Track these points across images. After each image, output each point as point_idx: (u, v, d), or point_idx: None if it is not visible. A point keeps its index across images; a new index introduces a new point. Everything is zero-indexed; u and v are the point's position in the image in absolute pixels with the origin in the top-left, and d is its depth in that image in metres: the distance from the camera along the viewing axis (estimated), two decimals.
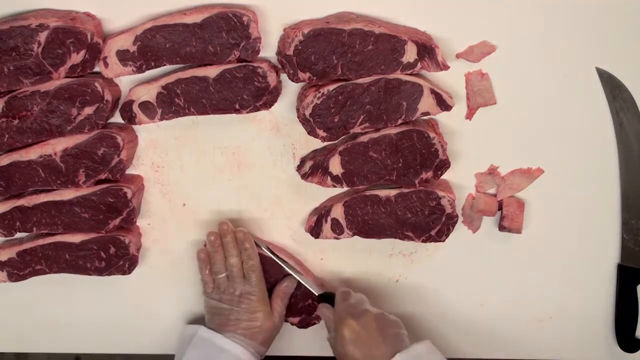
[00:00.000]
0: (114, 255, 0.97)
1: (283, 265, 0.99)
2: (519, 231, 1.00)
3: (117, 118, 0.95)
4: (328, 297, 0.98)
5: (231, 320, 0.96)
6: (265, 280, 0.99)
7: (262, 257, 0.99)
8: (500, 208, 1.00)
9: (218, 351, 0.94)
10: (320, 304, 0.98)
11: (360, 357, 0.89)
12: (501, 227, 1.00)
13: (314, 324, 1.04)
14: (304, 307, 1.02)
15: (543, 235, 1.02)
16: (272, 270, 1.00)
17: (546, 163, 0.99)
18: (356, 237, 0.99)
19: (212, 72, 0.90)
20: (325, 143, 0.95)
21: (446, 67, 0.91)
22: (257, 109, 0.93)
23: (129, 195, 0.95)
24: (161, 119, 0.93)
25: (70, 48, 0.87)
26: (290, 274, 1.00)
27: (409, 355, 0.88)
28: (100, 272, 0.99)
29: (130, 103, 0.92)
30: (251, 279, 0.97)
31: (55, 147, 0.92)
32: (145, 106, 0.92)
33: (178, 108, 0.92)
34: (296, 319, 1.03)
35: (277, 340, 1.06)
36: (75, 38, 0.86)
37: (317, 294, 0.99)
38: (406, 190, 0.97)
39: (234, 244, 0.97)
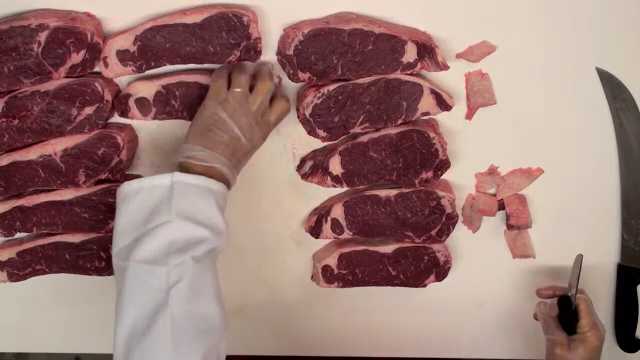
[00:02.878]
0: None
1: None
2: (528, 226, 1.00)
3: (117, 118, 0.95)
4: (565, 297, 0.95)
5: (231, 148, 0.84)
6: None
7: None
8: (501, 208, 1.00)
9: (209, 192, 0.81)
10: (546, 306, 0.97)
11: None
12: (510, 227, 1.00)
13: None
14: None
15: (543, 236, 1.02)
16: None
17: (546, 163, 0.99)
18: (356, 237, 0.99)
19: None
20: (325, 143, 0.96)
21: (446, 67, 0.91)
22: None
23: None
24: (154, 117, 0.93)
25: (70, 48, 0.87)
26: None
27: None
28: (100, 272, 0.99)
29: (127, 96, 0.91)
30: (272, 115, 0.88)
31: (55, 147, 0.92)
32: (140, 102, 0.92)
33: (172, 110, 0.92)
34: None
35: (278, 339, 1.07)
36: (75, 38, 0.86)
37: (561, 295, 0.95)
38: (406, 190, 0.97)
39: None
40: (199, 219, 0.79)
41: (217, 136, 0.84)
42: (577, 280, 0.95)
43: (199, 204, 0.79)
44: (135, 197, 0.81)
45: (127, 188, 0.82)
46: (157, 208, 0.79)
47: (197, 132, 0.84)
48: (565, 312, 0.94)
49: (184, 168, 0.83)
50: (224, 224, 0.81)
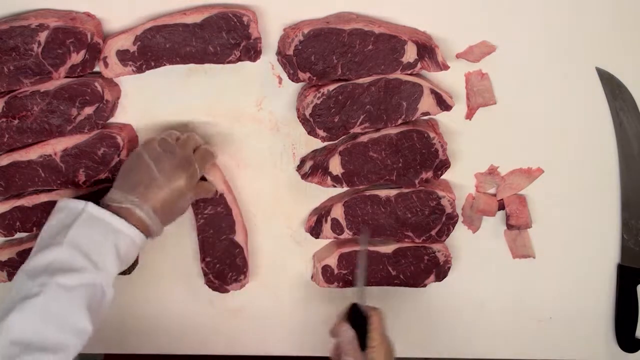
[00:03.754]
0: None
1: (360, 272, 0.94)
2: (528, 226, 1.00)
3: (117, 118, 0.95)
4: (356, 310, 0.91)
5: (153, 189, 0.85)
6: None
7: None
8: (501, 208, 1.00)
9: (109, 231, 0.82)
10: (342, 323, 0.90)
11: None
12: (510, 227, 1.00)
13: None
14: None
15: (543, 236, 1.02)
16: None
17: (546, 163, 0.99)
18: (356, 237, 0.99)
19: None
20: (325, 143, 0.95)
21: (446, 67, 0.91)
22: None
23: None
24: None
25: (70, 48, 0.87)
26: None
27: None
28: None
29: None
30: (202, 162, 0.89)
31: (55, 147, 0.92)
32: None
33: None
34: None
35: (278, 340, 1.06)
36: (75, 38, 0.86)
37: (351, 303, 0.92)
38: (406, 190, 0.97)
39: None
40: (86, 252, 0.79)
41: (135, 177, 0.85)
42: (363, 277, 0.93)
43: (95, 238, 0.81)
44: (56, 214, 0.84)
45: (60, 203, 0.84)
46: (61, 229, 0.81)
47: (121, 174, 0.87)
48: (357, 321, 0.89)
49: (105, 207, 0.84)
50: (115, 265, 0.81)
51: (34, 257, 0.80)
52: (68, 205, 0.84)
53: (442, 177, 0.97)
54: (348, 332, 0.88)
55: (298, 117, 0.93)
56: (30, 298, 0.76)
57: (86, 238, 0.80)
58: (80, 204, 0.83)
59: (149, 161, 0.86)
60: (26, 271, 0.79)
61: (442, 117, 0.96)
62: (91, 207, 0.82)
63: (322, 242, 1.02)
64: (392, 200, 0.97)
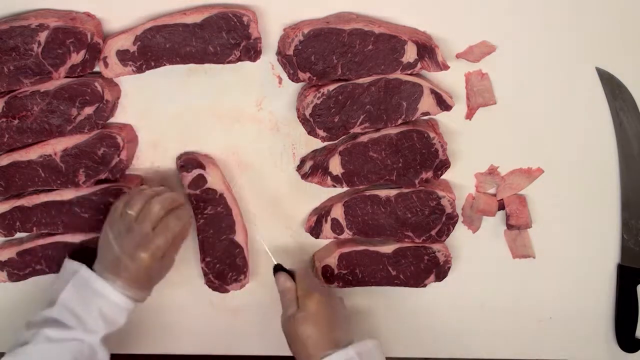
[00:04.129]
0: None
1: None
2: (528, 226, 1.00)
3: (117, 118, 0.95)
4: (282, 270, 0.96)
5: (121, 266, 0.86)
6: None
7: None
8: (501, 208, 1.00)
9: (95, 295, 0.86)
10: (280, 273, 0.95)
11: (317, 337, 0.88)
12: (510, 227, 1.00)
13: None
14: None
15: (543, 236, 1.02)
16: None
17: (546, 163, 0.99)
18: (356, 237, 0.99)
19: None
20: (325, 143, 0.96)
21: (446, 67, 0.91)
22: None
23: None
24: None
25: (70, 48, 0.87)
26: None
27: (362, 348, 0.88)
28: None
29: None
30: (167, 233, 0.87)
31: (55, 147, 0.92)
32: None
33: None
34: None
35: (278, 340, 1.06)
36: (75, 38, 0.86)
37: (275, 263, 0.97)
38: (406, 190, 0.97)
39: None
40: (75, 312, 0.86)
41: (105, 254, 0.88)
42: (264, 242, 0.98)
43: (83, 301, 0.86)
44: (61, 272, 0.91)
45: (65, 262, 0.91)
46: (60, 287, 0.88)
47: (98, 248, 0.90)
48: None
49: None
50: (102, 327, 0.86)
51: (38, 311, 0.87)
52: (67, 266, 0.90)
53: (442, 177, 0.97)
54: (286, 283, 0.94)
55: (298, 117, 0.93)
56: (20, 346, 0.84)
57: (75, 300, 0.86)
58: (76, 265, 0.89)
59: (111, 240, 0.87)
60: (27, 322, 0.87)
61: (442, 117, 0.96)
62: (84, 270, 0.88)
63: (322, 242, 1.02)
64: (392, 200, 0.97)
